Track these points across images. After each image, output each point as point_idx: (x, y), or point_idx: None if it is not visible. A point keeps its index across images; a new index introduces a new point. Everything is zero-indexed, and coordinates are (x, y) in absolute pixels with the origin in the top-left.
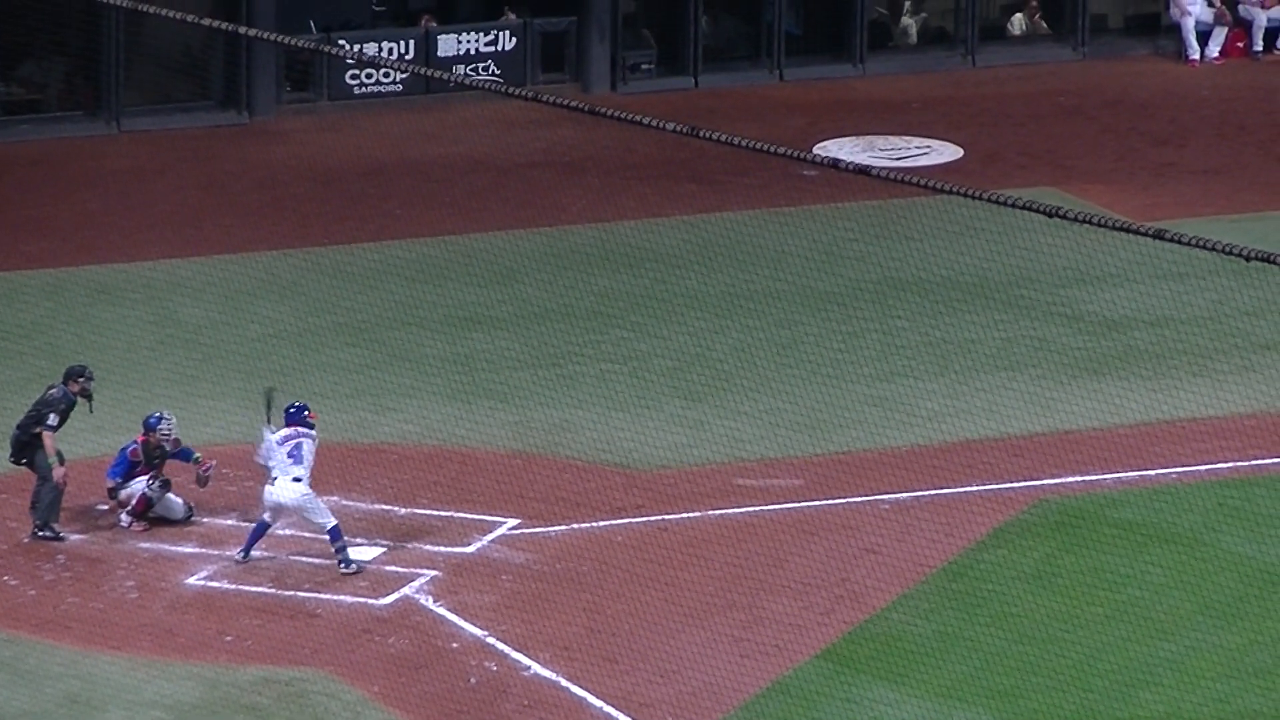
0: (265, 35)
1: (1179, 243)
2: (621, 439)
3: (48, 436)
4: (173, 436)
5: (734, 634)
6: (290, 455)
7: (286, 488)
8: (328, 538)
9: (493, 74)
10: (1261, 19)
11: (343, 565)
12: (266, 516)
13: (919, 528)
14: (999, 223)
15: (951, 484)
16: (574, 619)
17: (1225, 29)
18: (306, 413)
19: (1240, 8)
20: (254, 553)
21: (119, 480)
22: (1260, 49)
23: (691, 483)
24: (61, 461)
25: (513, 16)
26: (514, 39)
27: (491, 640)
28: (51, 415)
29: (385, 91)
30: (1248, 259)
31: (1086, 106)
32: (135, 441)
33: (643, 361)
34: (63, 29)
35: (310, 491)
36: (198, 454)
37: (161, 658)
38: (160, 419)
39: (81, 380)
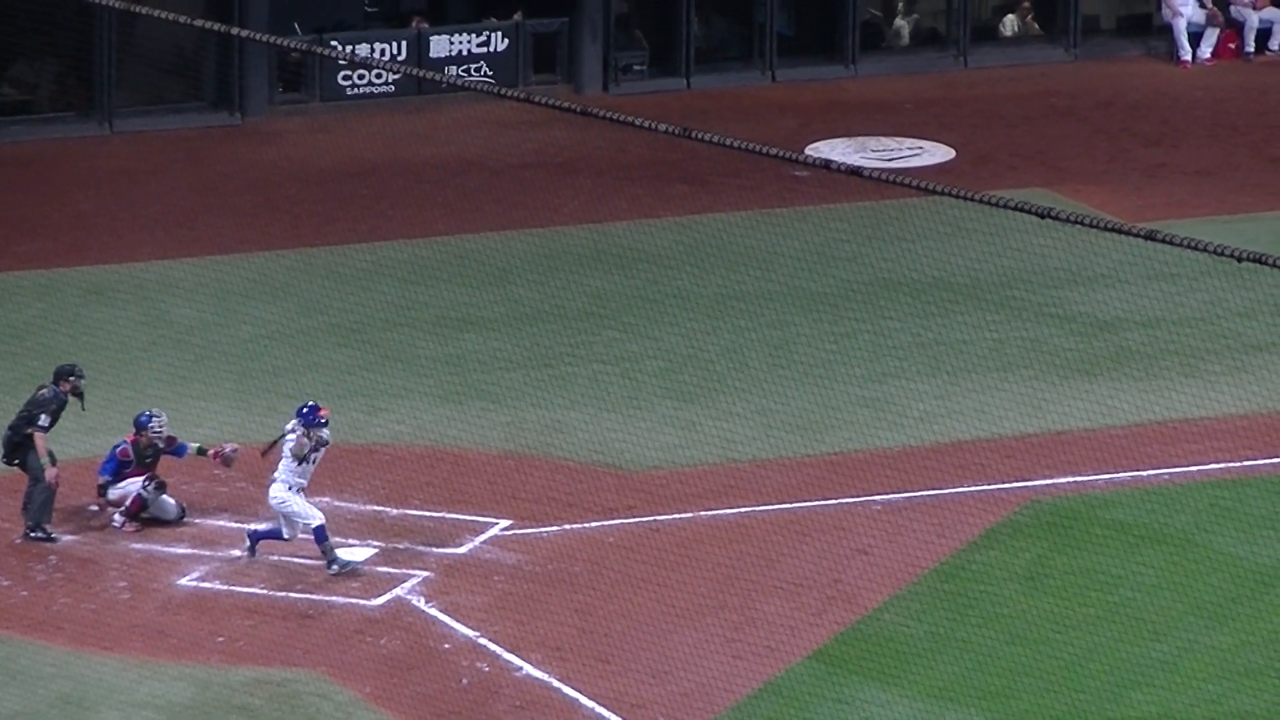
0: (258, 36)
1: (1171, 244)
2: (613, 440)
3: (39, 437)
4: (164, 434)
5: (726, 635)
6: None
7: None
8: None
9: (485, 75)
10: (1253, 20)
11: (329, 566)
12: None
13: (911, 528)
14: (991, 224)
15: (943, 485)
16: (566, 620)
17: (1217, 30)
18: (307, 411)
19: (1232, 9)
20: (241, 552)
21: (108, 478)
22: (1252, 50)
23: (683, 483)
24: (53, 462)
25: (494, 20)
26: (506, 40)
27: (483, 641)
28: (43, 416)
29: (377, 92)
30: (1240, 260)
31: (1078, 107)
32: (125, 440)
33: (634, 362)
34: (54, 29)
35: (279, 497)
36: (195, 445)
37: (154, 658)
38: (151, 417)
39: (72, 379)
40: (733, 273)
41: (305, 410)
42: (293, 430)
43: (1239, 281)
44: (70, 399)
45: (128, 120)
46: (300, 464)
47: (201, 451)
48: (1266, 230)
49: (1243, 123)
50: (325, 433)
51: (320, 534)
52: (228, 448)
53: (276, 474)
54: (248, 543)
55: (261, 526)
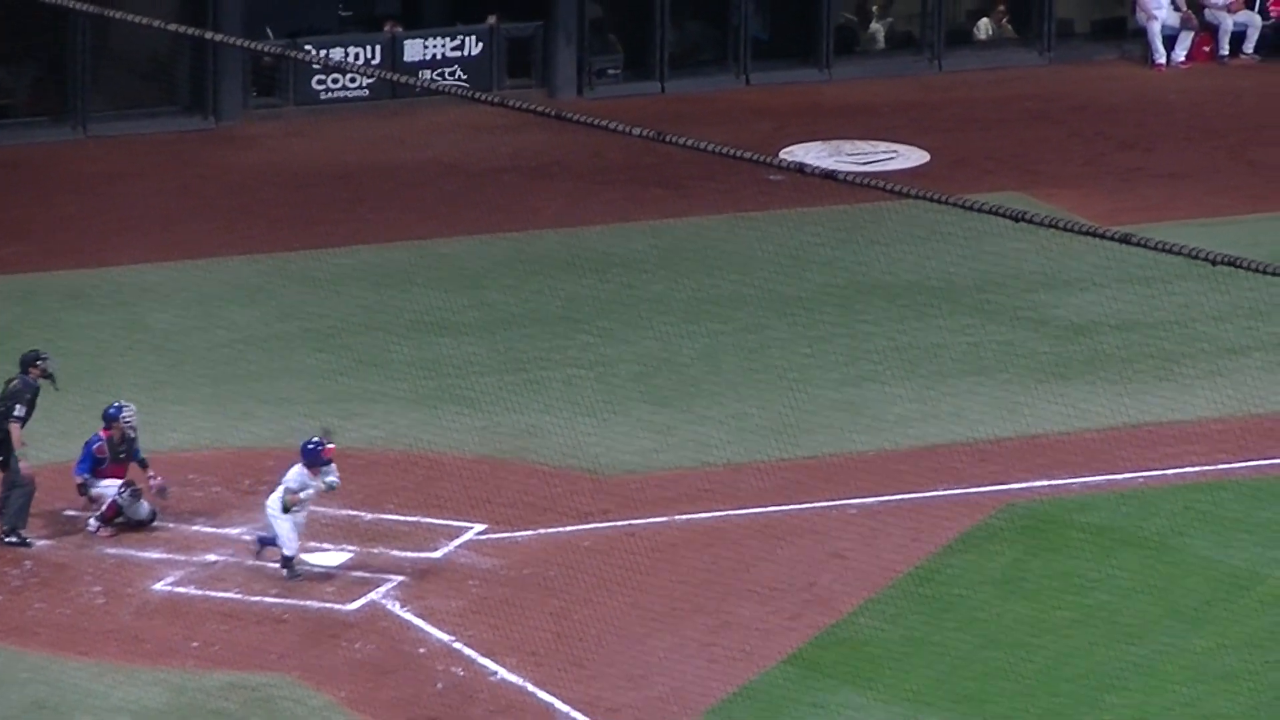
0: (231, 40)
1: (1146, 247)
2: (589, 444)
3: (14, 428)
4: (135, 424)
5: (701, 639)
6: None
7: None
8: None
9: (459, 79)
10: (1228, 23)
11: (282, 567)
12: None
13: (886, 532)
14: (966, 227)
15: (918, 489)
16: (541, 624)
17: (1191, 33)
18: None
19: (1206, 12)
20: (217, 557)
21: (87, 475)
22: (1226, 53)
23: (659, 487)
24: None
25: (493, 19)
26: (480, 44)
27: (458, 645)
28: (18, 406)
29: (352, 96)
30: (1214, 263)
31: (1053, 111)
32: (100, 437)
33: (609, 367)
34: (30, 34)
35: (272, 511)
36: (143, 455)
37: (128, 663)
38: (120, 408)
39: (40, 363)
40: (708, 276)
41: (309, 446)
42: (299, 482)
43: (1214, 284)
44: (43, 383)
45: (103, 125)
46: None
47: (143, 464)
48: (1243, 233)
49: (1218, 126)
50: (333, 478)
51: (285, 560)
52: (159, 481)
53: (278, 487)
54: (256, 547)
55: (268, 533)
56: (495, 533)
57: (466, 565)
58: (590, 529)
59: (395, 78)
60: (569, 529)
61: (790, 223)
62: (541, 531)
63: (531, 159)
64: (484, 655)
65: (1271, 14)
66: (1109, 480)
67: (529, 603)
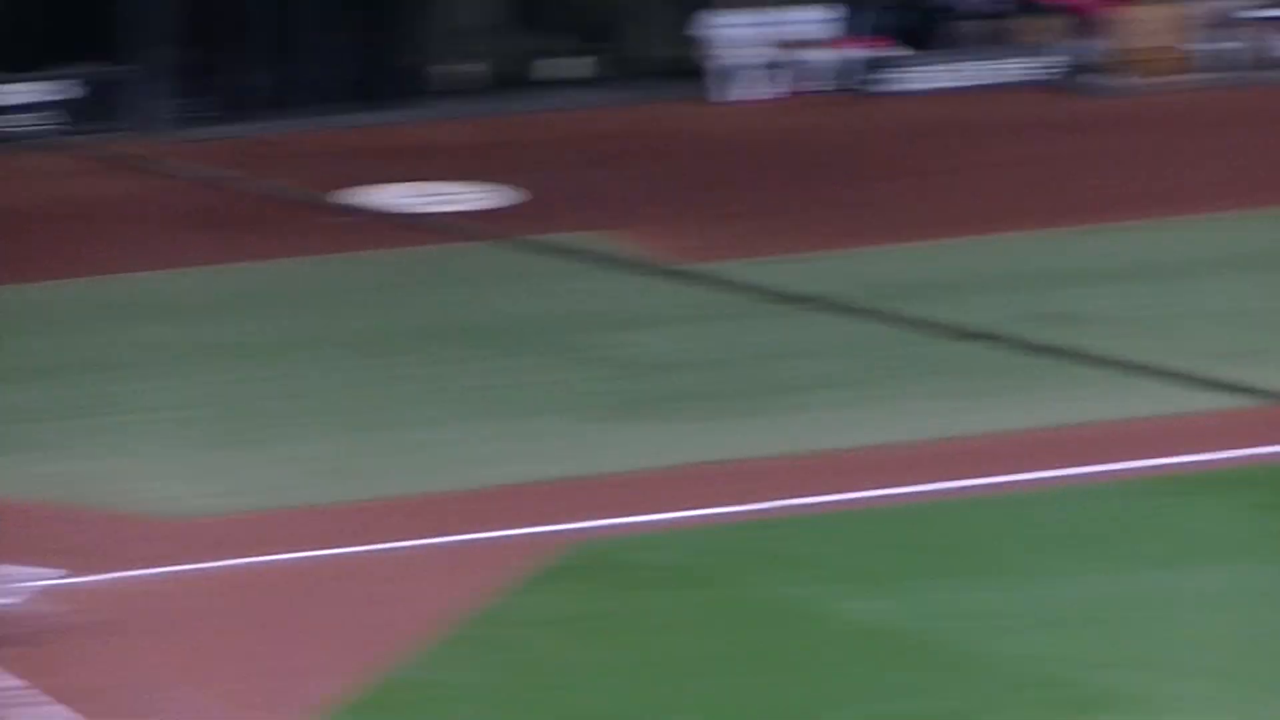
0: None
1: (713, 285)
2: (148, 489)
3: None
4: None
5: (245, 685)
6: None
7: None
8: None
9: (44, 124)
10: (812, 60)
11: None
12: None
13: (447, 574)
14: (545, 267)
15: (483, 529)
16: (86, 672)
17: (774, 70)
18: None
19: (783, 49)
20: None
21: None
22: (810, 89)
23: (224, 531)
24: None
25: (83, 64)
26: (69, 88)
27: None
28: None
29: None
30: (785, 301)
31: (635, 150)
32: None
33: (178, 410)
34: None
35: None
36: None
37: None
38: None
39: None
40: (291, 318)
41: None
42: None
43: (786, 322)
44: None
45: None
46: None
47: None
48: (819, 270)
49: (794, 162)
50: None
51: None
52: None
53: None
54: None
55: None
56: (55, 579)
57: (23, 614)
58: (143, 575)
59: None
60: (119, 575)
61: (376, 264)
62: (98, 578)
63: (116, 204)
64: (29, 704)
65: (848, 50)
66: (674, 518)
67: (73, 651)
